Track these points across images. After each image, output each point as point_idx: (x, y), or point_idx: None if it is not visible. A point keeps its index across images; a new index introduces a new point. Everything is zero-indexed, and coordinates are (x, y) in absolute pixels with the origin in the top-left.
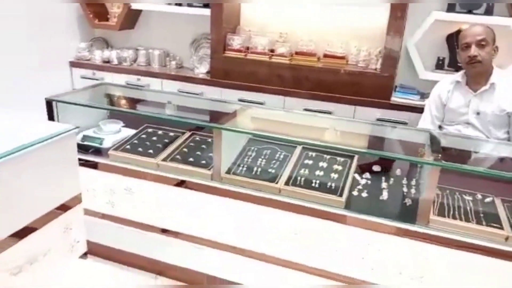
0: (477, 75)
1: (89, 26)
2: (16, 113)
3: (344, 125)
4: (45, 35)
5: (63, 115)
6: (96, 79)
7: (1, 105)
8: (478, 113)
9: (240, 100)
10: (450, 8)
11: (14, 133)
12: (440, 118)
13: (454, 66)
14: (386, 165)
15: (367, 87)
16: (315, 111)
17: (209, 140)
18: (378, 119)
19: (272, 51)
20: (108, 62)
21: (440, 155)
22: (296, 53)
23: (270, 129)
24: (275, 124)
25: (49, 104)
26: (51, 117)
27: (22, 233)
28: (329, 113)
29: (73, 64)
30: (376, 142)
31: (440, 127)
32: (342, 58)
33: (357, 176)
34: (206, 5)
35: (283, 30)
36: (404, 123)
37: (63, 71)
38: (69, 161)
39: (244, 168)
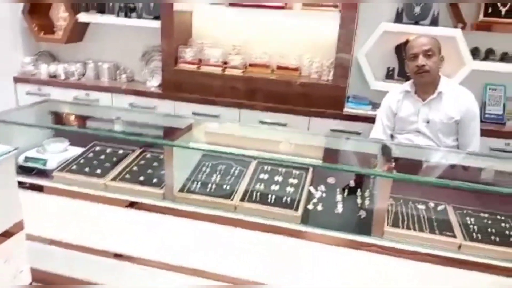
0: (425, 84)
1: (34, 39)
2: None
3: (298, 138)
4: None
5: (4, 135)
6: (43, 95)
7: None
8: (427, 122)
9: (194, 114)
10: (398, 19)
11: None
12: (391, 127)
13: (404, 76)
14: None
15: (320, 98)
16: (270, 123)
17: (161, 157)
18: (332, 130)
19: (225, 63)
20: (54, 77)
21: (391, 166)
22: (250, 65)
23: (224, 143)
24: (229, 138)
25: None
26: None
27: None
28: (284, 125)
29: (17, 80)
30: (330, 153)
31: (391, 136)
32: (296, 69)
33: (312, 189)
34: (156, 17)
35: (236, 43)
36: (358, 133)
37: (6, 87)
38: (8, 186)
39: (198, 185)
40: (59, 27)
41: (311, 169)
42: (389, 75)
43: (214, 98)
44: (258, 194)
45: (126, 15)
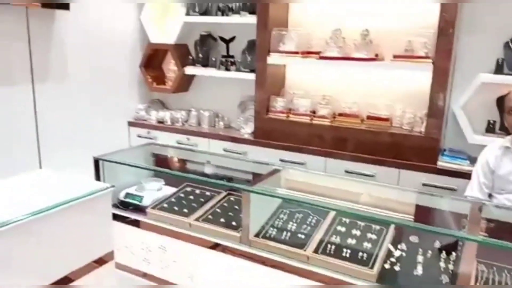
0: None
1: (148, 89)
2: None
3: (384, 190)
4: (108, 97)
5: (111, 172)
6: (150, 138)
7: (64, 162)
8: None
9: (282, 160)
10: (499, 70)
11: (56, 190)
12: (489, 186)
13: (507, 130)
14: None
15: (412, 149)
16: (356, 173)
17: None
18: (424, 184)
19: (314, 112)
20: (162, 122)
21: (482, 228)
22: (339, 114)
23: (304, 191)
24: (311, 186)
25: (96, 162)
26: (98, 174)
27: (62, 282)
28: (372, 176)
29: (131, 124)
30: (416, 210)
31: (490, 195)
32: (386, 120)
33: (391, 246)
34: (252, 71)
35: (326, 93)
36: (453, 190)
37: (121, 130)
38: (103, 218)
39: (274, 232)
40: (169, 78)
41: (392, 226)
42: (489, 129)
43: (301, 146)
44: (333, 247)
45: (226, 69)
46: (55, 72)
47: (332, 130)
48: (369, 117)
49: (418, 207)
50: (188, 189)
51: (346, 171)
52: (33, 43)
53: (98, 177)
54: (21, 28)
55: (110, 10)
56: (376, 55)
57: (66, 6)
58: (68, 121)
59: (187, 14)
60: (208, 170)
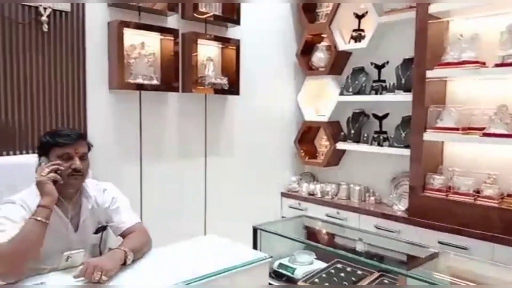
0: None
1: (300, 162)
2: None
3: None
4: (265, 170)
5: (266, 241)
6: (301, 209)
7: (224, 228)
8: None
9: (440, 243)
10: None
11: (221, 256)
12: None
13: None
14: None
15: None
16: None
17: (397, 284)
18: None
19: (477, 192)
20: (312, 194)
21: None
22: (508, 195)
23: (471, 281)
24: (479, 277)
25: (255, 231)
26: (255, 242)
27: None
28: None
29: (284, 195)
30: None
31: None
32: None
33: None
34: (406, 146)
35: (491, 171)
36: None
37: (275, 201)
38: (261, 286)
39: None
40: (320, 153)
41: None
42: None
43: (462, 228)
44: None
45: (379, 144)
46: (223, 147)
47: (500, 212)
48: None
49: None
50: (339, 265)
51: None
52: (208, 123)
53: (255, 244)
54: (200, 110)
55: (272, 93)
56: None
57: (236, 92)
58: (230, 190)
59: (341, 94)
60: (359, 247)
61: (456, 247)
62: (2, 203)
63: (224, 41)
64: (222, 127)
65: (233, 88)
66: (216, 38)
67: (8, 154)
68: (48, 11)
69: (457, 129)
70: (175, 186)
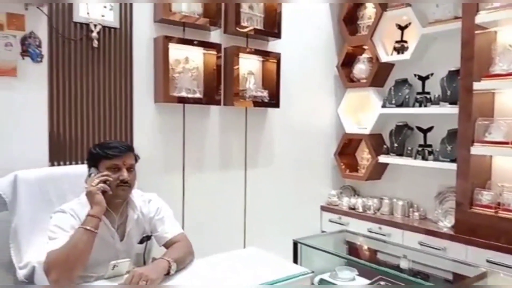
0: None
1: (341, 175)
2: (266, 250)
3: None
4: (304, 183)
5: (306, 255)
6: (342, 224)
7: (263, 241)
8: None
9: (489, 262)
10: None
11: (262, 269)
12: None
13: None
14: None
15: None
16: None
17: None
18: None
19: None
20: (353, 209)
21: None
22: None
23: None
24: None
25: (295, 244)
26: (295, 256)
27: None
28: None
29: (323, 208)
30: None
31: None
32: None
33: None
34: (452, 160)
35: None
36: None
37: (314, 214)
38: None
39: None
40: (362, 166)
41: None
42: None
43: None
44: None
45: (423, 158)
46: (263, 160)
47: None
48: None
49: None
50: (382, 283)
51: None
52: (249, 135)
53: (295, 258)
54: (241, 123)
55: (312, 105)
56: None
57: (276, 105)
58: (269, 203)
59: (383, 106)
60: (403, 264)
61: (507, 266)
62: (53, 212)
63: (265, 54)
64: (262, 140)
65: (273, 100)
66: (257, 52)
67: (59, 164)
68: (98, 27)
69: (506, 143)
70: (216, 198)
